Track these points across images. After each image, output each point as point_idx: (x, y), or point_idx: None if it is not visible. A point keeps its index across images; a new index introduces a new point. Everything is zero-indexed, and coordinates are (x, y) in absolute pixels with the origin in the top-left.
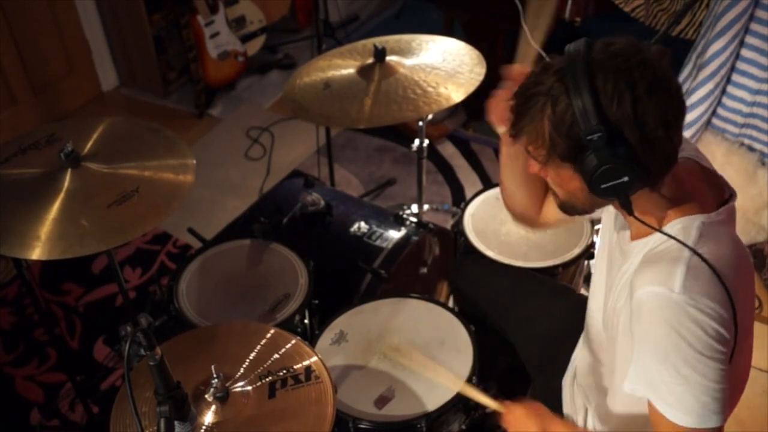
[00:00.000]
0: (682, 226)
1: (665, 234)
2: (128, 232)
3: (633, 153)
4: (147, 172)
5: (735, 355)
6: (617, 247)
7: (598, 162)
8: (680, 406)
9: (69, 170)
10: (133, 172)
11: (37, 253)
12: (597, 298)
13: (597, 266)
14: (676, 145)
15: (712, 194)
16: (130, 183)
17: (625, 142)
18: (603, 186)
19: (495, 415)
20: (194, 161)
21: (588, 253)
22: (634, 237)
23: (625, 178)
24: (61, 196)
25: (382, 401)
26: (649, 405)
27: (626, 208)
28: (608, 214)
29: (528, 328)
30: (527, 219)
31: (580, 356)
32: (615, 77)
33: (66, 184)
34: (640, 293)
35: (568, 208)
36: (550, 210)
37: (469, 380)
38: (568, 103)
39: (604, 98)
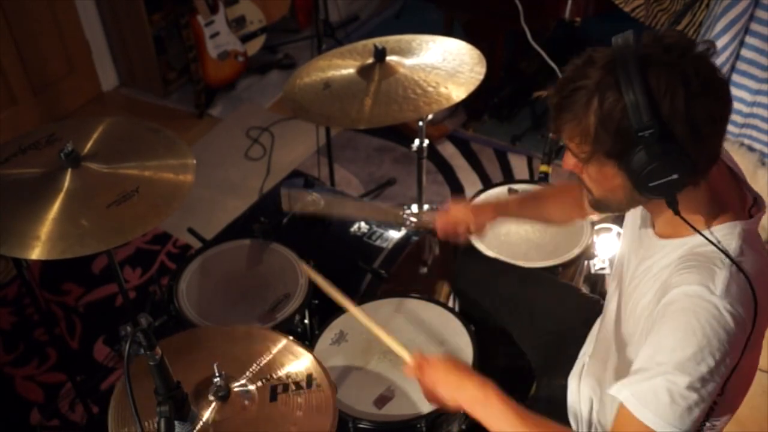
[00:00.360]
0: (724, 233)
1: (710, 242)
2: (128, 232)
3: (683, 150)
4: (147, 172)
5: (739, 365)
6: (639, 242)
7: (648, 159)
8: (649, 403)
9: (69, 170)
10: (133, 172)
11: (36, 253)
12: (612, 290)
13: (619, 260)
14: (721, 142)
15: (740, 197)
16: (130, 183)
17: (676, 138)
18: (652, 184)
19: None
20: (194, 161)
21: (588, 253)
22: (663, 235)
23: (675, 176)
24: (61, 196)
25: (381, 401)
26: (620, 407)
27: (673, 207)
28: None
29: (533, 327)
30: (575, 219)
31: (593, 346)
32: (668, 72)
33: (66, 184)
34: (677, 291)
35: (602, 206)
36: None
37: None
38: (617, 97)
39: (657, 94)
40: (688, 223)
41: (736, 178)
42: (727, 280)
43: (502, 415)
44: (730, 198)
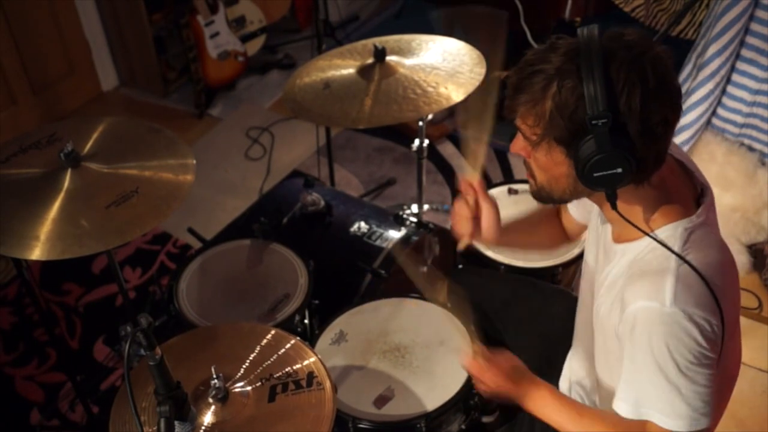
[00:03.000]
0: (667, 234)
1: (653, 238)
2: (127, 232)
3: (632, 146)
4: (147, 172)
5: (722, 355)
6: (601, 248)
7: (596, 149)
8: (673, 413)
9: (69, 170)
10: (132, 172)
11: (36, 254)
12: (583, 297)
13: (584, 265)
14: (668, 146)
15: (689, 190)
16: (130, 183)
17: (627, 133)
18: (596, 174)
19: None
20: (194, 161)
21: None
22: (617, 239)
23: (619, 170)
24: (61, 196)
25: (381, 401)
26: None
27: (611, 200)
28: (594, 213)
29: (526, 333)
30: (561, 245)
31: (573, 356)
32: (629, 68)
33: (66, 184)
34: (632, 309)
35: (544, 195)
36: (570, 225)
37: (469, 379)
38: (575, 85)
39: (616, 86)
40: (628, 221)
41: (686, 170)
42: (674, 286)
43: (559, 412)
44: (679, 195)
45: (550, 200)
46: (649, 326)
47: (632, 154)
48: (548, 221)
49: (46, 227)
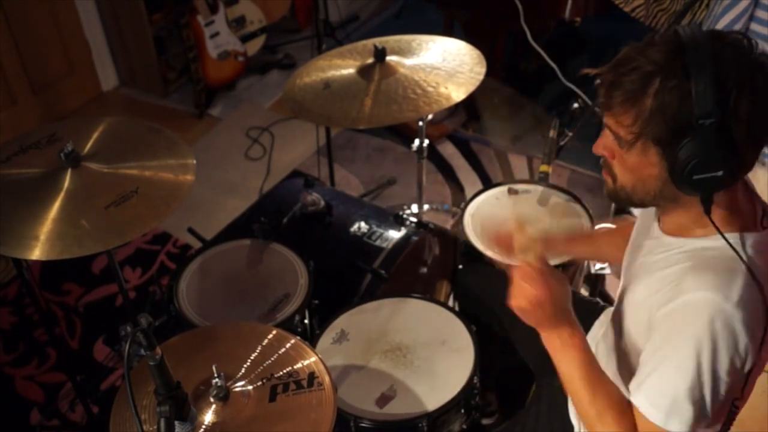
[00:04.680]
0: (734, 241)
1: (732, 247)
2: (127, 232)
3: (735, 148)
4: (147, 173)
5: (754, 369)
6: (646, 235)
7: (699, 150)
8: (671, 411)
9: (69, 170)
10: (132, 172)
11: (36, 254)
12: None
13: (627, 251)
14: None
15: (752, 209)
16: (130, 183)
17: (732, 134)
18: (695, 177)
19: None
20: (194, 161)
21: None
22: (670, 231)
23: (720, 173)
24: (61, 196)
25: (383, 400)
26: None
27: (707, 205)
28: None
29: (528, 331)
30: None
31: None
32: (738, 68)
33: (66, 184)
34: (693, 295)
35: (622, 197)
36: None
37: (470, 379)
38: (681, 82)
39: (726, 85)
40: (716, 227)
41: (749, 189)
42: (742, 288)
43: (570, 368)
44: (744, 208)
45: (628, 202)
46: (705, 315)
47: (735, 157)
48: (620, 234)
49: (45, 227)
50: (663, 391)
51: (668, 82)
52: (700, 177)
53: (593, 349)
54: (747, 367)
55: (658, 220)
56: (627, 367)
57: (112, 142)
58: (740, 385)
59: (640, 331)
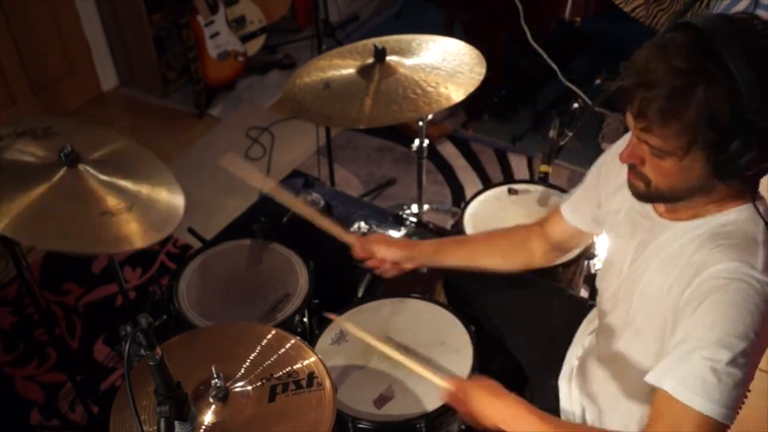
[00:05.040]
0: (750, 213)
1: (761, 215)
2: (114, 244)
3: None
4: (140, 195)
5: None
6: (633, 228)
7: (752, 146)
8: (704, 391)
9: (65, 168)
10: (127, 188)
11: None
12: (607, 293)
13: (608, 260)
14: None
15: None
16: (125, 198)
17: None
18: (749, 172)
19: None
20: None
21: (588, 253)
22: (670, 216)
23: None
24: (46, 186)
25: (381, 401)
26: (661, 395)
27: (754, 194)
28: (611, 201)
29: (522, 329)
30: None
31: (587, 349)
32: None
33: (56, 178)
34: (715, 269)
35: (655, 197)
36: (563, 235)
37: (470, 376)
38: (725, 85)
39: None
40: (759, 213)
41: None
42: (766, 256)
43: (532, 424)
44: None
45: (660, 200)
46: (734, 284)
47: None
48: (507, 238)
49: (19, 207)
50: (700, 372)
51: (712, 89)
52: (753, 171)
53: (580, 346)
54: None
55: (657, 213)
56: (631, 365)
57: (114, 158)
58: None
59: (655, 321)
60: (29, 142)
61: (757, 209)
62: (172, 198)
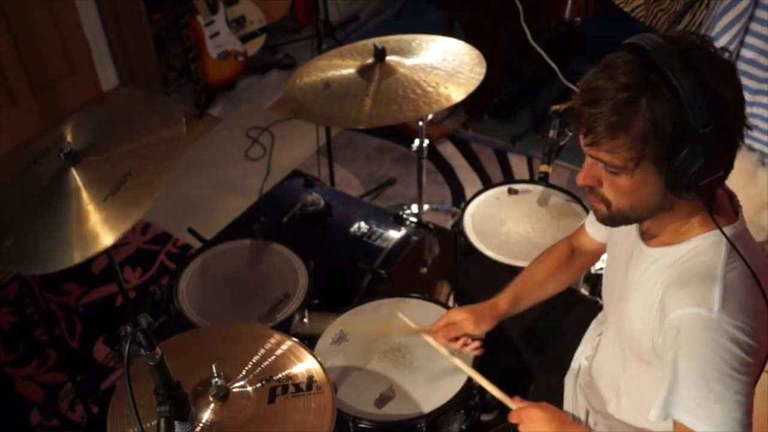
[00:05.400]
0: (712, 241)
1: (728, 240)
2: (128, 218)
3: (733, 145)
4: (140, 148)
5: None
6: (629, 252)
7: (700, 157)
8: (715, 423)
9: (72, 169)
10: (124, 153)
11: (76, 258)
12: (611, 302)
13: (611, 269)
14: None
15: (724, 196)
16: (123, 166)
17: (729, 132)
18: (702, 183)
19: (499, 416)
20: (183, 126)
21: None
22: (650, 244)
23: (721, 172)
24: (74, 196)
25: (382, 401)
26: (677, 426)
27: (710, 206)
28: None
29: (530, 327)
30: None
31: (586, 355)
32: (711, 66)
33: (74, 184)
34: (676, 315)
35: (618, 219)
36: (590, 246)
37: (469, 379)
38: (668, 96)
39: (713, 89)
40: (715, 223)
41: None
42: (722, 293)
43: None
44: (719, 201)
45: (625, 223)
46: (695, 332)
47: (732, 152)
48: (550, 262)
49: (72, 229)
50: (707, 410)
51: (655, 99)
52: (706, 181)
53: (589, 346)
54: (759, 358)
55: (641, 233)
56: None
57: (107, 127)
58: (763, 354)
59: (642, 344)
60: (46, 163)
61: (724, 234)
62: (170, 131)
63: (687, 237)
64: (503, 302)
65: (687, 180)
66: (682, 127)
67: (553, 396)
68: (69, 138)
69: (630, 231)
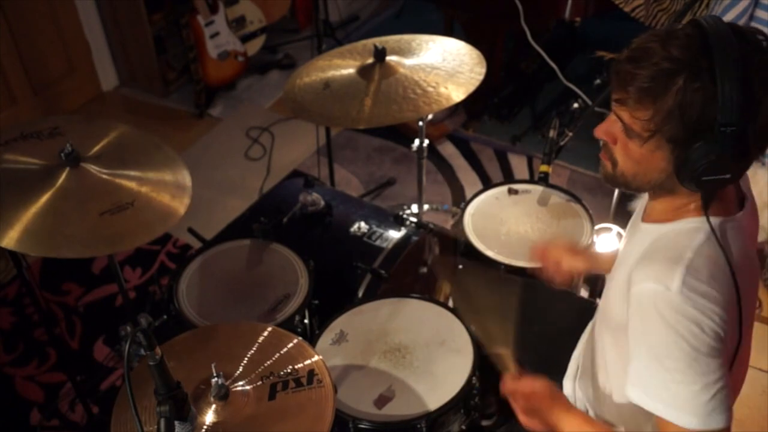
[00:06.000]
0: (694, 226)
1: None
2: (117, 243)
3: (748, 152)
4: (144, 188)
5: (737, 356)
6: (633, 227)
7: (713, 154)
8: (683, 407)
9: (67, 169)
10: (131, 184)
11: (4, 242)
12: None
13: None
14: None
15: (734, 194)
16: (127, 195)
17: (747, 140)
18: (705, 178)
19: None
20: (189, 182)
21: None
22: (649, 219)
23: (728, 175)
24: (51, 192)
25: (382, 401)
26: (656, 416)
27: (707, 204)
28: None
29: (529, 328)
30: None
31: (583, 352)
32: (763, 75)
33: (60, 181)
34: (636, 288)
35: (619, 182)
36: None
37: (469, 379)
38: (706, 85)
39: (753, 93)
40: (709, 222)
41: None
42: (684, 274)
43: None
44: (724, 194)
45: (625, 187)
46: (652, 308)
47: (746, 160)
48: None
49: (25, 218)
50: (673, 393)
51: (693, 83)
52: (709, 179)
53: (582, 345)
54: (724, 344)
55: (644, 211)
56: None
57: (116, 148)
58: (731, 347)
59: (615, 318)
60: (35, 144)
61: (710, 224)
62: (178, 177)
63: (677, 218)
64: (607, 257)
65: (693, 171)
66: (707, 118)
67: None
68: (71, 141)
69: (639, 210)
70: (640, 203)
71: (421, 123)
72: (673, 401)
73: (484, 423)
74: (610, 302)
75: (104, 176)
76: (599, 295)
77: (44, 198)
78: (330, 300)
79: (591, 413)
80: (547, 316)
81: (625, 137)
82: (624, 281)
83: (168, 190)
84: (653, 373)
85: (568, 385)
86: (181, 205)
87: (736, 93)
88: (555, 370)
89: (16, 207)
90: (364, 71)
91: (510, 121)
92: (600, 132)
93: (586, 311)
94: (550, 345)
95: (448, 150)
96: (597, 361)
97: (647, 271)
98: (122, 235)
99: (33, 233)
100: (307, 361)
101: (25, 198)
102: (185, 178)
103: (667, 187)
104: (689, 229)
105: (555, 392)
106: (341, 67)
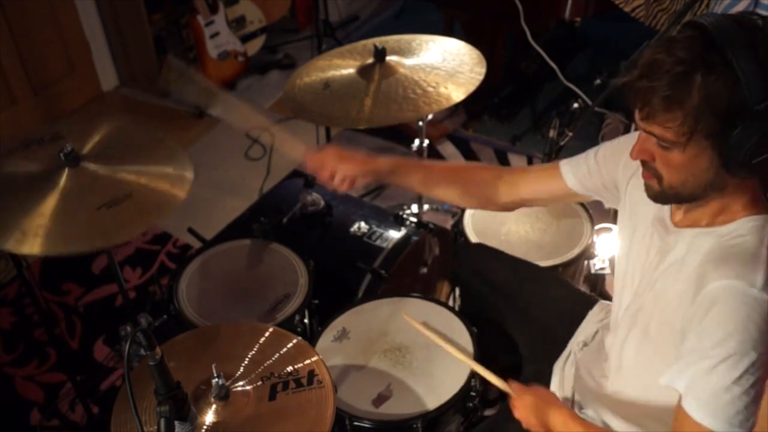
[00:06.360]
0: (755, 224)
1: None
2: (114, 235)
3: None
4: (143, 179)
5: None
6: (651, 238)
7: (757, 133)
8: (714, 410)
9: (67, 169)
10: (129, 177)
11: (24, 249)
12: (627, 283)
13: (621, 261)
14: None
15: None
16: (124, 187)
17: None
18: (756, 160)
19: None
20: (191, 175)
21: (588, 253)
22: (682, 224)
23: None
24: (56, 194)
25: (380, 400)
26: (679, 403)
27: (765, 184)
28: (635, 198)
29: (524, 315)
30: (488, 204)
31: (584, 352)
32: None
33: (62, 182)
34: (715, 285)
35: (670, 196)
36: (507, 192)
37: (468, 381)
38: (724, 73)
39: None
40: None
41: None
42: (766, 273)
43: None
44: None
45: (676, 199)
46: (732, 304)
47: None
48: (471, 174)
49: (35, 224)
50: (713, 392)
51: (710, 75)
52: (759, 160)
53: (583, 336)
54: None
55: (672, 215)
56: (635, 365)
57: (115, 144)
58: None
59: (668, 330)
60: (36, 151)
61: None
62: (178, 173)
63: (730, 220)
64: (383, 161)
65: (741, 157)
66: (737, 103)
67: (541, 382)
68: (71, 140)
69: (660, 220)
70: (646, 213)
71: (421, 123)
72: (711, 404)
73: (487, 412)
74: (665, 307)
75: (103, 173)
76: (600, 295)
77: (50, 202)
78: (330, 300)
79: (577, 398)
80: (541, 304)
81: (662, 151)
82: (689, 285)
83: (167, 179)
84: (709, 372)
85: (557, 371)
86: (181, 191)
87: (755, 70)
88: (545, 357)
89: (25, 213)
90: (364, 71)
91: (510, 121)
92: (636, 153)
93: (580, 301)
94: (544, 332)
95: (448, 150)
96: (611, 362)
97: (726, 269)
98: (120, 226)
99: (44, 237)
100: (307, 361)
101: (31, 204)
102: (187, 169)
103: (718, 186)
104: (751, 228)
105: (552, 402)
106: (341, 67)
